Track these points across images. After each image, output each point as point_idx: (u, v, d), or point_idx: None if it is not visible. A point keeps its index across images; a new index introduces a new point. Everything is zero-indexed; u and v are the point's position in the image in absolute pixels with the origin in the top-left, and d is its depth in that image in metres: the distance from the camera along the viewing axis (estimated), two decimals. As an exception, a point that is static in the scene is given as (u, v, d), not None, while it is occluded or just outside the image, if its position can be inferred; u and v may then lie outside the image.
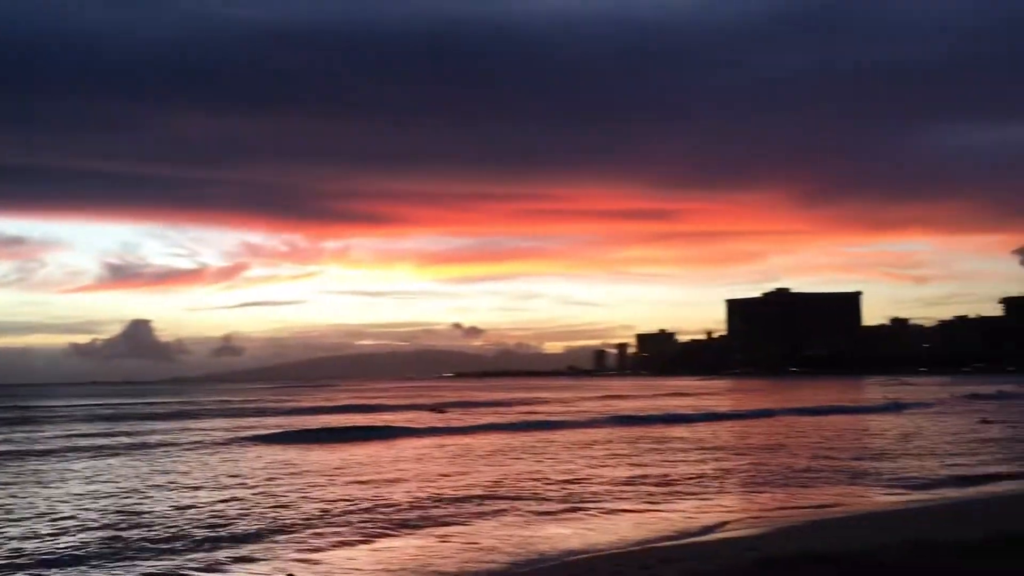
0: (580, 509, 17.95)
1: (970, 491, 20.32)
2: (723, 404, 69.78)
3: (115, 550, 14.34)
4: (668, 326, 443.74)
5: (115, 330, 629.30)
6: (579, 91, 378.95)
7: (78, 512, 18.08)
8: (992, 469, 24.28)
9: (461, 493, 20.34)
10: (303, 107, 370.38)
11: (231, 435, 40.50)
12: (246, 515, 17.48)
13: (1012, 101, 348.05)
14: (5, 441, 39.52)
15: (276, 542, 14.88)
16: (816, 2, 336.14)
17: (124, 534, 15.67)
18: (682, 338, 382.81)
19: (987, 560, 11.05)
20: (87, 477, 24.63)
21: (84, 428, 48.87)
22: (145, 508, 18.64)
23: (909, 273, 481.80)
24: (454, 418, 53.14)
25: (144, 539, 15.21)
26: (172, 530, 15.99)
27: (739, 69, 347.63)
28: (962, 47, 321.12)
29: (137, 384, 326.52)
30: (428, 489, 21.08)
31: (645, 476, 23.23)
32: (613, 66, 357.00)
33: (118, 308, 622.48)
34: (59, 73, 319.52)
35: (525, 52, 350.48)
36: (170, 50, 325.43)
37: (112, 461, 29.37)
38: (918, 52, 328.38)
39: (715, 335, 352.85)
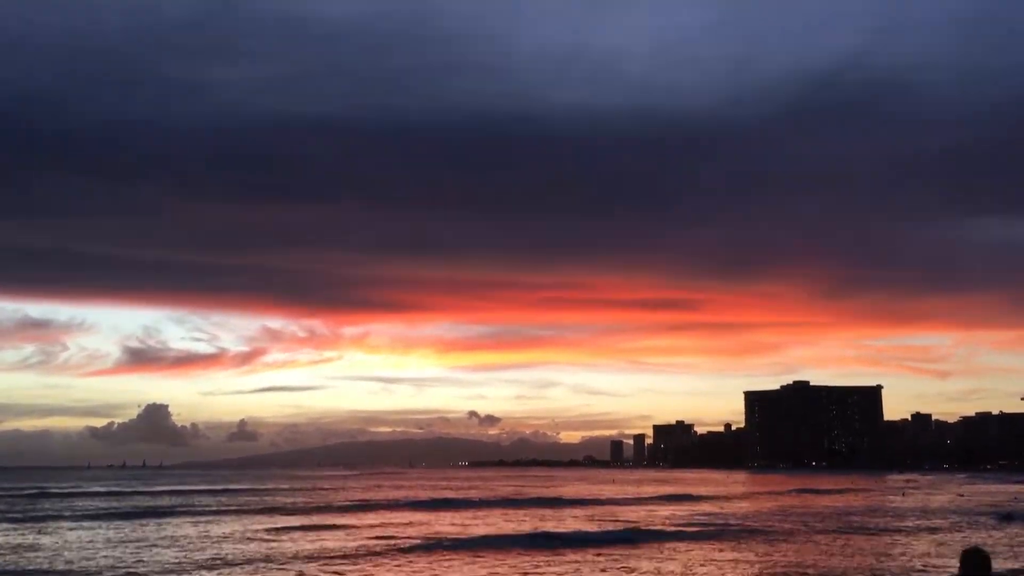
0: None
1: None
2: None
3: None
4: (685, 417, 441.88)
5: (132, 414, 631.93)
6: (599, 182, 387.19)
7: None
8: None
9: None
10: (325, 196, 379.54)
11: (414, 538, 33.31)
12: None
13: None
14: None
15: None
16: (840, 95, 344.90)
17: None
18: (700, 430, 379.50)
19: None
20: None
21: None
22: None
23: (931, 368, 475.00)
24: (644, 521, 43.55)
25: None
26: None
27: (759, 161, 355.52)
28: (987, 141, 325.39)
29: (167, 469, 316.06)
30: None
31: None
32: (633, 157, 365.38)
33: (136, 391, 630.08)
34: (87, 160, 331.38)
35: (545, 143, 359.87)
36: (196, 139, 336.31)
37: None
38: (942, 145, 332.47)
39: (734, 427, 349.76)
